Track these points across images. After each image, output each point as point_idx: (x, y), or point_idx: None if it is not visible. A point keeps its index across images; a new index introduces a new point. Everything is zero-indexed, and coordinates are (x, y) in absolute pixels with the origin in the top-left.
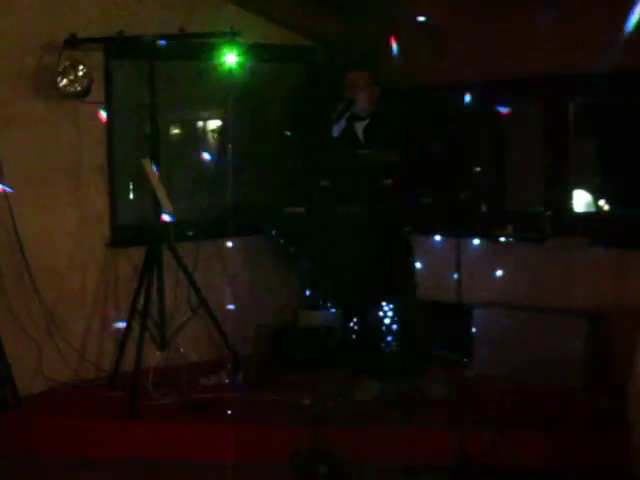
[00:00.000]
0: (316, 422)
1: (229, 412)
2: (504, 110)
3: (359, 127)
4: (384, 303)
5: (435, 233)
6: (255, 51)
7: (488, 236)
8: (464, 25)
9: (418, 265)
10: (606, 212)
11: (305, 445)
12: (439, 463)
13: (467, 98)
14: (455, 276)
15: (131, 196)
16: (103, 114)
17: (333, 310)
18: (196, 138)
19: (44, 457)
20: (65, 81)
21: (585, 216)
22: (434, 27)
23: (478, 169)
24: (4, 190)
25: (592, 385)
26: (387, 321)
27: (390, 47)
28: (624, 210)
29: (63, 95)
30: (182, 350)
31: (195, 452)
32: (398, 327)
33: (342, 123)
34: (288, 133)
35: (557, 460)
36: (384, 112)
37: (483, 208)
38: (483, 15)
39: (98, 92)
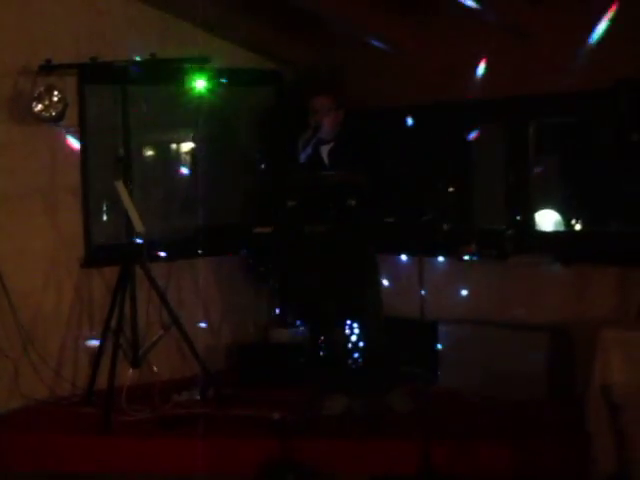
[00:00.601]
0: (285, 435)
1: (200, 427)
2: (468, 133)
3: (324, 150)
4: (351, 320)
5: (399, 252)
6: (224, 75)
7: (451, 254)
8: (426, 49)
9: (384, 283)
10: (567, 230)
11: (275, 457)
12: (405, 473)
13: (430, 120)
14: (420, 293)
15: (105, 217)
16: (73, 141)
17: (302, 328)
18: (167, 160)
19: (21, 472)
20: (40, 106)
21: (547, 234)
22: (398, 51)
23: (441, 188)
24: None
25: (554, 397)
26: (354, 338)
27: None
28: (585, 228)
29: (38, 119)
30: (155, 369)
31: (168, 466)
32: (365, 344)
33: (308, 150)
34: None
35: (520, 469)
36: (348, 135)
37: (445, 227)
38: (444, 39)
39: (72, 116)
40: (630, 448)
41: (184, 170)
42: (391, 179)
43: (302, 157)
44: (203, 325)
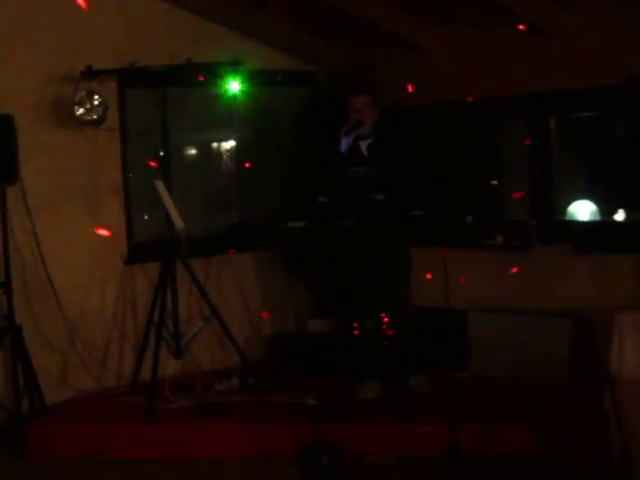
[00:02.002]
0: (320, 420)
1: (240, 414)
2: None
3: (363, 146)
4: (383, 310)
5: (427, 243)
6: (258, 77)
7: (477, 245)
8: (451, 49)
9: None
10: (588, 220)
11: (310, 441)
12: (433, 455)
13: (457, 116)
14: (448, 283)
15: (146, 215)
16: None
17: (336, 318)
18: (204, 159)
19: (71, 459)
20: (82, 110)
21: (568, 224)
22: (424, 50)
23: (470, 184)
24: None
25: (577, 380)
26: (386, 327)
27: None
28: (605, 218)
29: (80, 123)
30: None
31: (209, 451)
32: (396, 332)
33: (350, 139)
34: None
35: (545, 450)
36: (385, 131)
37: (470, 219)
38: (470, 40)
39: (114, 119)
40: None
41: (221, 169)
42: (422, 174)
43: (343, 145)
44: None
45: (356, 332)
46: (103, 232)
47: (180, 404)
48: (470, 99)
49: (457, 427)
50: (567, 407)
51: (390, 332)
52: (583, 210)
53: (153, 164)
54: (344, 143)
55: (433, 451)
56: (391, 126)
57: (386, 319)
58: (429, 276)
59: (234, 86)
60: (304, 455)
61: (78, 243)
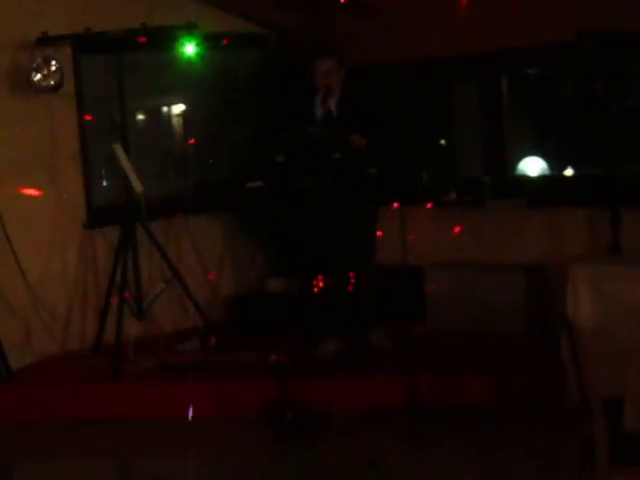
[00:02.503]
0: (283, 377)
1: (203, 373)
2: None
3: (332, 104)
4: (342, 268)
5: (383, 202)
6: (211, 40)
7: (432, 201)
8: (403, 7)
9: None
10: (539, 175)
11: (274, 398)
12: (393, 407)
13: (411, 76)
14: (404, 240)
15: (104, 180)
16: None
17: (295, 277)
18: (161, 123)
19: (38, 422)
20: (39, 76)
21: (521, 179)
22: (377, 12)
23: (426, 142)
24: None
25: (532, 331)
26: (346, 284)
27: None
28: (555, 173)
29: (37, 90)
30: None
31: (174, 409)
32: (356, 289)
33: (325, 107)
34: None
35: (501, 399)
36: (350, 89)
37: (426, 176)
38: None
39: (69, 85)
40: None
41: (177, 132)
42: (377, 132)
43: (318, 114)
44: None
45: (315, 290)
46: None
47: (144, 364)
48: (422, 58)
49: (417, 379)
50: (524, 357)
51: (350, 289)
52: (533, 166)
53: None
54: (319, 111)
55: (394, 403)
56: (357, 86)
57: (348, 276)
58: (384, 233)
59: (189, 49)
60: (268, 411)
61: (38, 209)
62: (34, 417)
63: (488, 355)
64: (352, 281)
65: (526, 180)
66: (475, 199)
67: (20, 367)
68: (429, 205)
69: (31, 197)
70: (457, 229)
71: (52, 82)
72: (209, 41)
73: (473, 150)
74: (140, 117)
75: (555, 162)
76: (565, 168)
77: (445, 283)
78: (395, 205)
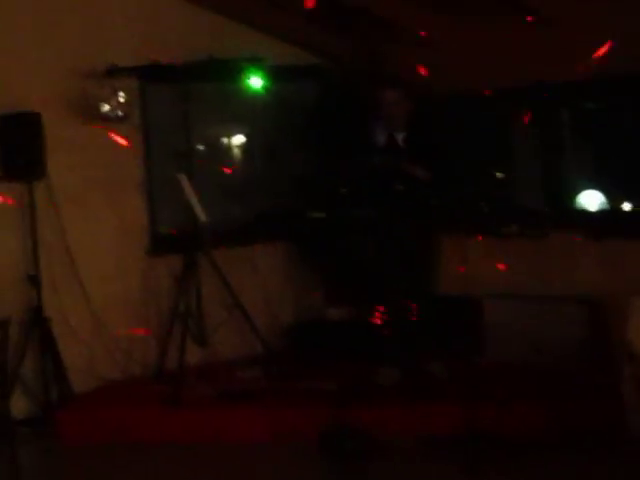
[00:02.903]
0: (342, 405)
1: (263, 400)
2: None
3: (399, 138)
4: (403, 298)
5: (444, 231)
6: (276, 72)
7: (494, 232)
8: (462, 41)
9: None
10: (602, 208)
11: (333, 425)
12: (451, 434)
13: (474, 107)
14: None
15: (168, 208)
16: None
17: (355, 306)
18: (224, 153)
19: (100, 445)
20: (107, 107)
21: (581, 211)
22: (436, 42)
23: (485, 173)
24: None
25: (591, 363)
26: (406, 314)
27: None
28: (616, 206)
29: (105, 119)
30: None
31: (234, 435)
32: (416, 319)
33: (382, 138)
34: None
35: (560, 430)
36: (418, 122)
37: (487, 207)
38: (483, 31)
39: (135, 115)
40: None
41: (241, 162)
42: (445, 165)
43: (380, 142)
44: (264, 306)
45: (375, 319)
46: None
47: (205, 391)
48: (485, 91)
49: (476, 409)
50: (583, 388)
51: (410, 318)
52: (592, 199)
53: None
54: (380, 139)
55: (453, 432)
56: (423, 119)
57: (407, 306)
58: (444, 264)
59: (254, 81)
60: (327, 438)
61: (103, 236)
62: (95, 440)
63: (547, 386)
64: (411, 311)
65: (586, 213)
66: (536, 231)
67: (83, 391)
68: (489, 236)
69: (96, 223)
70: (517, 260)
71: (119, 112)
72: (273, 73)
73: (534, 182)
74: (204, 147)
75: (614, 195)
76: (624, 201)
77: (504, 314)
78: (456, 236)
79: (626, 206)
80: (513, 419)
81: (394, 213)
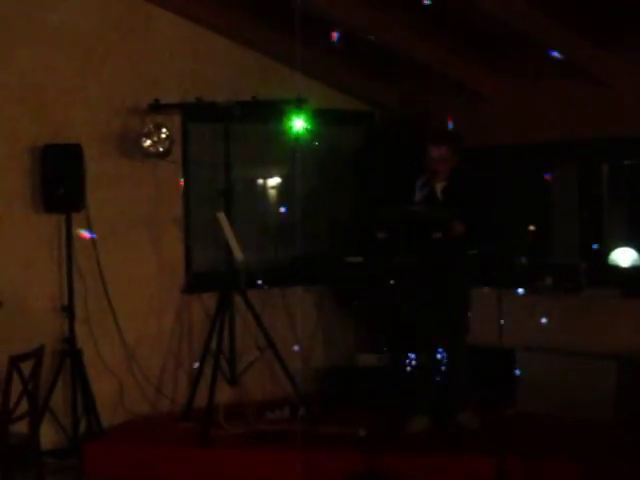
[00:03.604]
0: (371, 451)
1: (292, 442)
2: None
3: (438, 188)
4: (436, 347)
5: (480, 283)
6: (319, 116)
7: (528, 286)
8: (510, 96)
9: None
10: (635, 265)
11: (361, 471)
12: None
13: (513, 160)
14: (499, 322)
15: (205, 246)
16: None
17: (387, 353)
18: (264, 194)
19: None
20: (149, 142)
21: (617, 268)
22: (481, 97)
23: (523, 225)
24: (90, 237)
25: (623, 421)
26: (438, 363)
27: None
28: None
29: (146, 155)
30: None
31: (261, 476)
32: (448, 368)
33: (425, 190)
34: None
35: None
36: (458, 175)
37: (524, 260)
38: (526, 87)
39: (177, 152)
40: None
41: (279, 203)
42: (482, 218)
43: (418, 196)
44: (296, 349)
45: (407, 366)
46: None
47: (233, 431)
48: (523, 143)
49: (505, 461)
50: (614, 445)
51: (443, 367)
52: (625, 256)
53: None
54: (419, 193)
55: None
56: (465, 172)
57: (440, 354)
58: (479, 314)
59: (297, 124)
60: None
61: (138, 271)
62: (121, 475)
63: (577, 441)
64: (444, 360)
65: (622, 270)
66: (571, 286)
67: (112, 425)
68: (525, 289)
69: (133, 258)
70: (552, 314)
71: (161, 149)
72: (316, 116)
73: (570, 236)
74: (244, 186)
75: None
76: None
77: (536, 367)
78: (491, 287)
79: None
80: (542, 474)
81: (431, 261)
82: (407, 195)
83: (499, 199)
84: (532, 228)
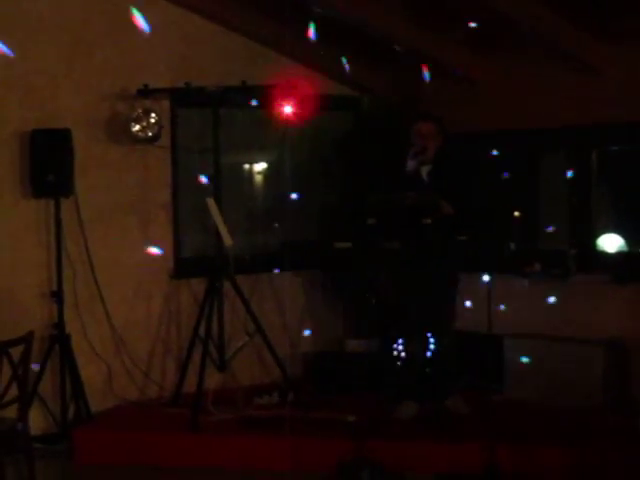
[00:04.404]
0: (360, 436)
1: (281, 428)
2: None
3: (424, 170)
4: (425, 332)
5: (469, 269)
6: (307, 101)
7: (517, 272)
8: (498, 81)
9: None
10: (625, 251)
11: (350, 456)
12: (469, 473)
13: (501, 146)
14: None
15: (193, 231)
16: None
17: (375, 338)
18: (253, 179)
19: (116, 465)
20: (138, 127)
21: (606, 255)
22: (471, 81)
23: (512, 211)
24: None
25: (611, 405)
26: (426, 348)
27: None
28: (634, 249)
29: (135, 140)
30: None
31: (250, 462)
32: (435, 354)
33: (415, 162)
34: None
35: (577, 470)
36: (444, 158)
37: (512, 246)
38: (515, 72)
39: (165, 137)
40: None
41: (268, 189)
42: (466, 200)
43: (409, 165)
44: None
45: (396, 352)
46: (153, 250)
47: (222, 416)
48: (513, 129)
49: (494, 446)
50: (602, 430)
51: (431, 353)
52: (611, 242)
53: (202, 181)
54: (410, 163)
55: (471, 470)
56: (450, 155)
57: (429, 340)
58: (467, 301)
59: (286, 109)
60: (345, 470)
61: (127, 256)
62: (112, 460)
63: (565, 426)
64: (432, 346)
65: (611, 255)
66: (560, 272)
67: (100, 410)
68: (514, 275)
69: (121, 243)
70: (540, 301)
71: (150, 133)
72: (304, 101)
73: (560, 223)
74: (233, 172)
75: (635, 239)
76: None
77: (524, 353)
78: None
79: None
80: (530, 459)
81: (420, 247)
82: (396, 179)
83: (487, 185)
84: (518, 214)
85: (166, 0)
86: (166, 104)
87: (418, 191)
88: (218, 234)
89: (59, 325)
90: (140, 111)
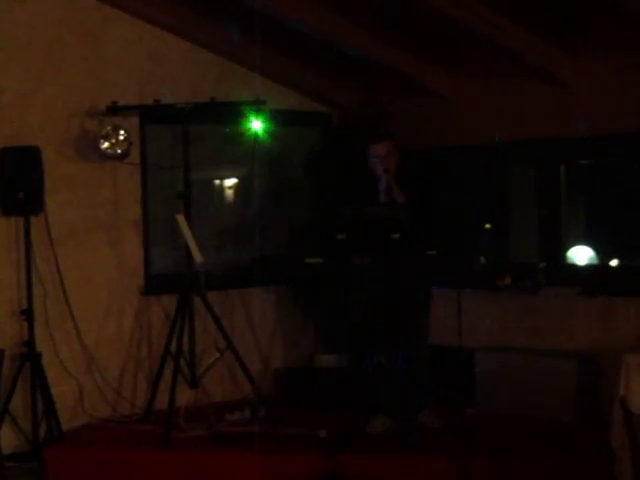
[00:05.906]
0: (332, 452)
1: (252, 444)
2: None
3: (381, 186)
4: (395, 347)
5: (439, 284)
6: (277, 117)
7: (488, 285)
8: (467, 95)
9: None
10: (595, 264)
11: (322, 472)
12: None
13: (471, 160)
14: (458, 322)
15: (164, 248)
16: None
17: (346, 353)
18: (223, 195)
19: None
20: (107, 144)
21: (576, 267)
22: (438, 95)
23: (481, 225)
24: None
25: (582, 418)
26: (398, 363)
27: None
28: (605, 262)
29: (104, 157)
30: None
31: (222, 478)
32: (407, 369)
33: (385, 192)
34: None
35: None
36: (404, 173)
37: (483, 260)
38: (484, 86)
39: (135, 154)
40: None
41: (239, 205)
42: (435, 214)
43: (381, 199)
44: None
45: (367, 367)
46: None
47: (194, 433)
48: (482, 142)
49: (466, 460)
50: (574, 443)
51: (403, 367)
52: (582, 255)
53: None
54: (382, 196)
55: None
56: (409, 168)
57: (400, 354)
58: (438, 314)
59: (256, 125)
60: None
61: (98, 273)
62: (84, 478)
63: (537, 439)
64: (404, 360)
65: (581, 268)
66: (530, 285)
67: (72, 428)
68: (484, 289)
69: (92, 260)
70: (510, 314)
71: (119, 150)
72: (274, 117)
73: (529, 236)
74: (202, 188)
75: (611, 251)
76: (614, 258)
77: (495, 366)
78: (450, 286)
79: (616, 262)
80: (502, 472)
81: (389, 262)
82: (365, 195)
83: (457, 199)
84: (489, 227)
85: (134, 17)
86: (135, 121)
87: (383, 206)
88: (188, 250)
89: (30, 343)
90: (109, 128)
